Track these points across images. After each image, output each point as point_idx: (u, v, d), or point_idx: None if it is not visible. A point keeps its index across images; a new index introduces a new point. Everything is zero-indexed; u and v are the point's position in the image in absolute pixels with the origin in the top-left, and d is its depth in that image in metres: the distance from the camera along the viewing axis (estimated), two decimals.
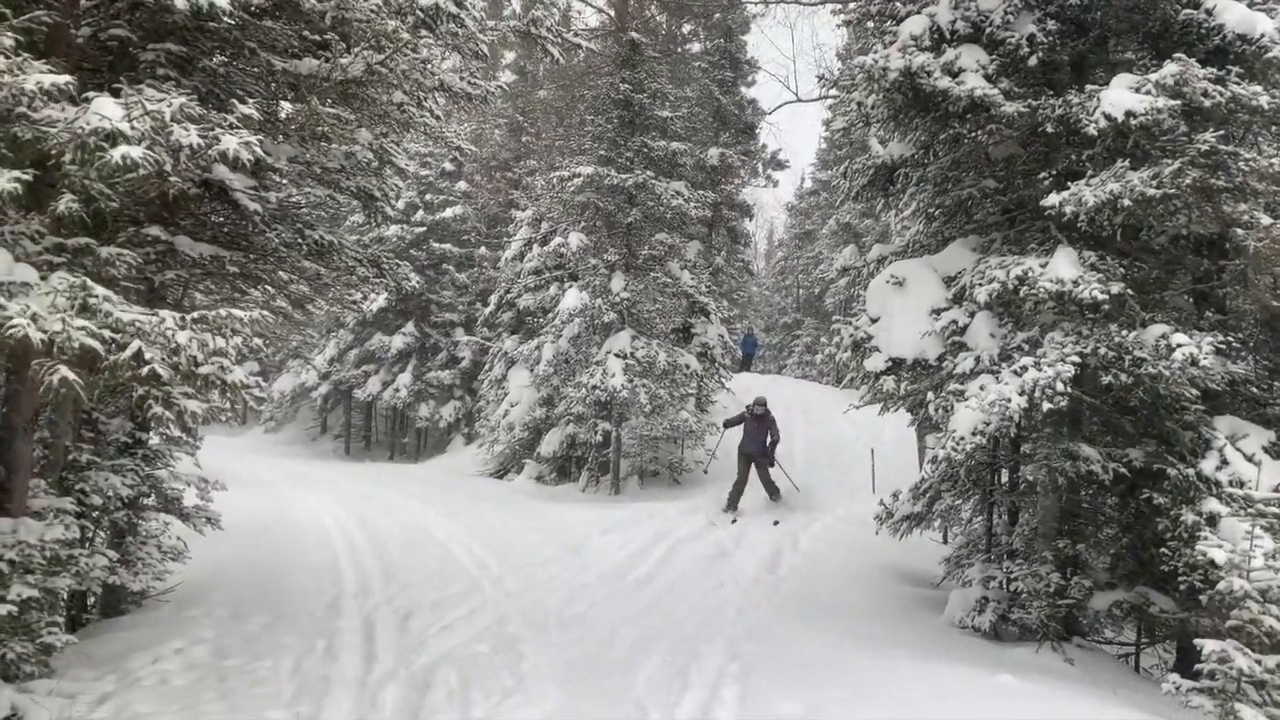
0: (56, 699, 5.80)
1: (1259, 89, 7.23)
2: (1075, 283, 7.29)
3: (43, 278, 4.76)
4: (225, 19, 6.10)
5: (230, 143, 5.28)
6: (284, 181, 8.08)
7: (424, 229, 30.29)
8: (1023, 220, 8.73)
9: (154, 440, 8.52)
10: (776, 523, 13.37)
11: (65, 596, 6.51)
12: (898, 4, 9.15)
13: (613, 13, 24.46)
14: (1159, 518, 7.60)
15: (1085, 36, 8.36)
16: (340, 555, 11.24)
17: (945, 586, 9.93)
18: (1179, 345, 7.05)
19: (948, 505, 9.94)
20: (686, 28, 28.15)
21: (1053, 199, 7.54)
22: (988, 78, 8.07)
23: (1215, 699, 5.88)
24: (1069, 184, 7.60)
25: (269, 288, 8.46)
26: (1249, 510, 6.40)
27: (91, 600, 8.25)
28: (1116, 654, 8.90)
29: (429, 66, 7.98)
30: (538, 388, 20.49)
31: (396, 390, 30.05)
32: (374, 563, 10.83)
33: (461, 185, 31.87)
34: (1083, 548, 8.55)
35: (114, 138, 4.77)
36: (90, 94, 5.01)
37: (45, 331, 4.42)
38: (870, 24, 9.43)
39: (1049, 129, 7.94)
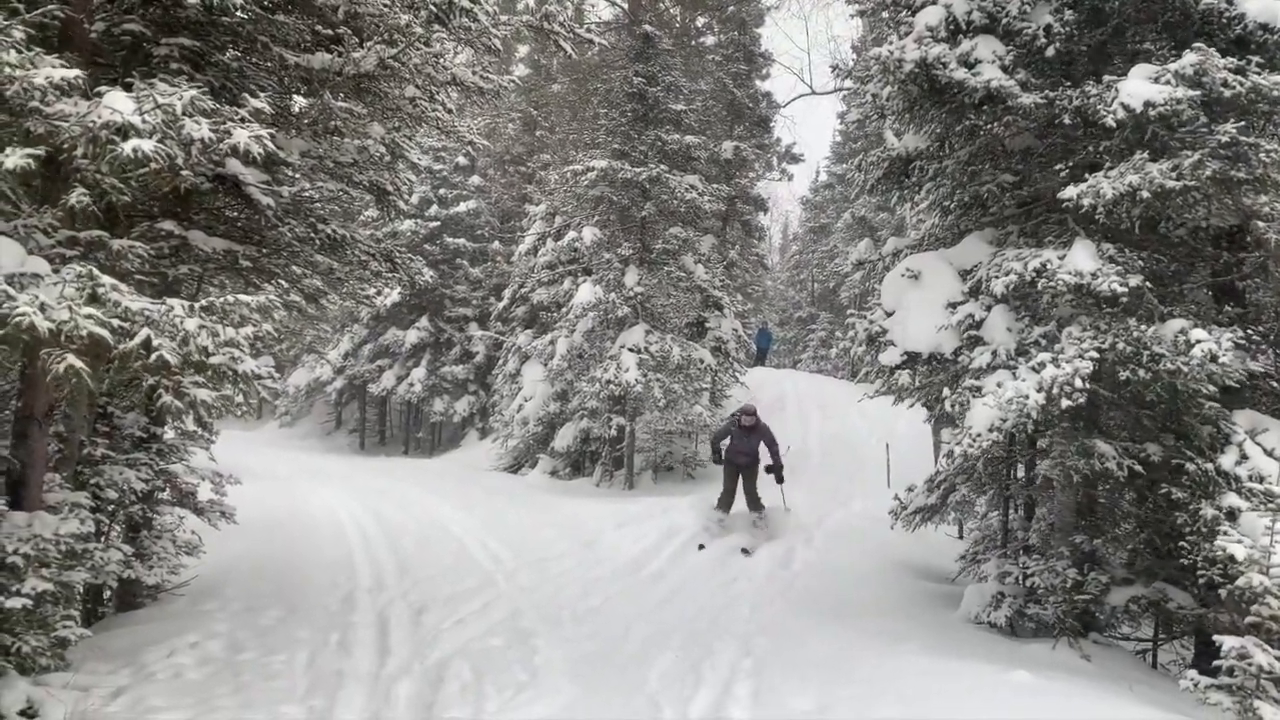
0: (72, 692, 5.81)
1: None
2: (1094, 275, 7.22)
3: (55, 270, 4.76)
4: (238, 13, 6.12)
5: (242, 136, 5.28)
6: (297, 176, 8.09)
7: (437, 224, 30.32)
8: (1039, 213, 8.66)
9: (168, 434, 8.54)
10: (745, 551, 11.31)
11: (80, 591, 6.52)
12: None
13: (626, 6, 24.41)
14: (1177, 512, 7.53)
15: (1103, 26, 8.27)
16: (355, 550, 11.26)
17: (960, 582, 9.88)
18: (1198, 341, 6.97)
19: (963, 497, 9.88)
20: (700, 21, 28.10)
21: (1070, 191, 7.47)
22: (1004, 69, 8.00)
23: (1234, 695, 5.83)
24: (1087, 176, 7.52)
25: (282, 282, 8.47)
26: (1269, 505, 6.35)
27: (107, 594, 8.28)
28: (1133, 650, 8.83)
29: (441, 61, 7.97)
30: (551, 382, 20.50)
31: (411, 385, 30.12)
32: (388, 557, 10.85)
33: (475, 180, 31.90)
34: (1100, 543, 8.48)
35: (125, 131, 4.77)
36: (103, 88, 5.01)
37: (53, 320, 4.42)
38: (885, 15, 9.34)
39: (1066, 120, 7.87)
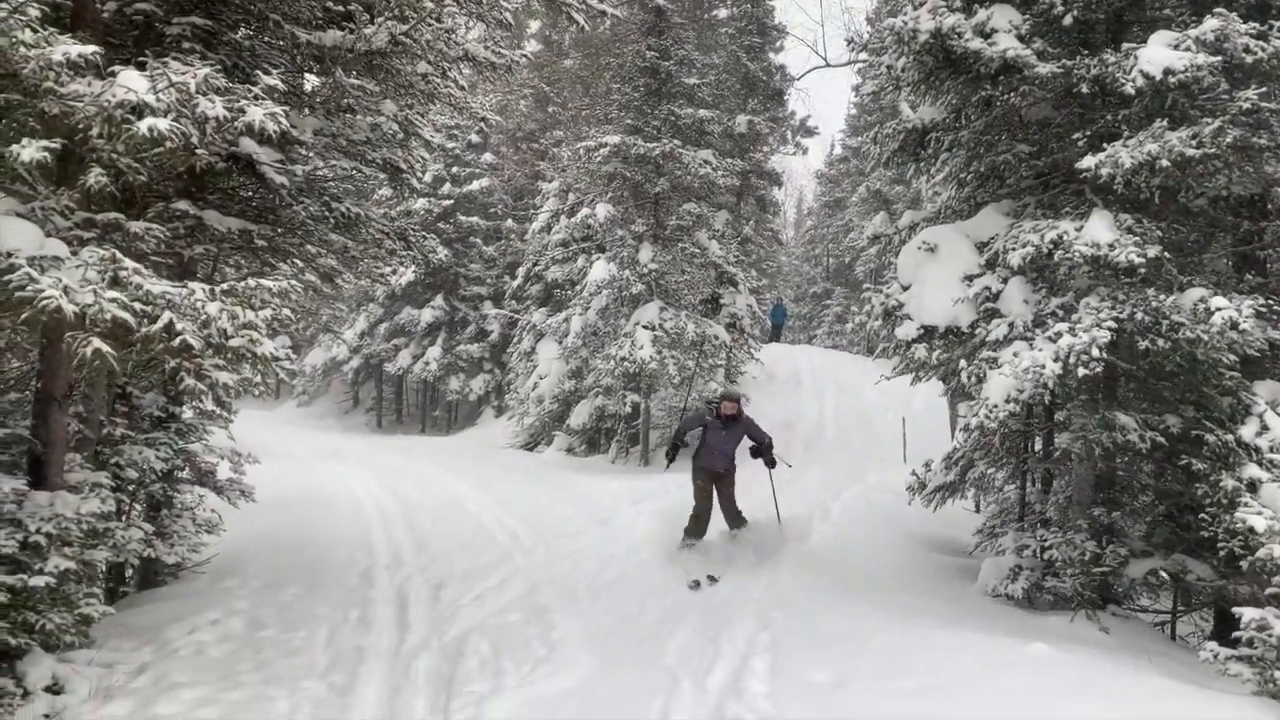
0: (96, 668, 5.89)
1: None
2: (1111, 246, 7.16)
3: (73, 252, 4.78)
4: None
5: (256, 114, 5.27)
6: (310, 154, 8.08)
7: (451, 202, 30.31)
8: (1057, 184, 8.58)
9: (187, 414, 8.60)
10: (713, 579, 8.90)
11: (103, 569, 6.59)
12: None
13: None
14: (1197, 484, 7.49)
15: None
16: (373, 527, 11.33)
17: (978, 555, 9.87)
18: (1218, 309, 6.92)
19: (981, 474, 9.85)
20: None
21: (1088, 161, 7.39)
22: (1020, 38, 7.90)
23: (1254, 667, 5.82)
24: (1105, 146, 7.45)
25: (297, 261, 8.48)
26: None
27: (129, 572, 8.38)
28: (1152, 622, 8.82)
29: (453, 36, 7.94)
30: (566, 360, 20.53)
31: (426, 364, 30.23)
32: (406, 534, 10.91)
33: (488, 157, 31.83)
34: (1118, 515, 8.46)
35: (140, 110, 4.77)
36: (116, 68, 5.01)
37: (77, 304, 4.45)
38: None
39: (1084, 90, 7.78)
